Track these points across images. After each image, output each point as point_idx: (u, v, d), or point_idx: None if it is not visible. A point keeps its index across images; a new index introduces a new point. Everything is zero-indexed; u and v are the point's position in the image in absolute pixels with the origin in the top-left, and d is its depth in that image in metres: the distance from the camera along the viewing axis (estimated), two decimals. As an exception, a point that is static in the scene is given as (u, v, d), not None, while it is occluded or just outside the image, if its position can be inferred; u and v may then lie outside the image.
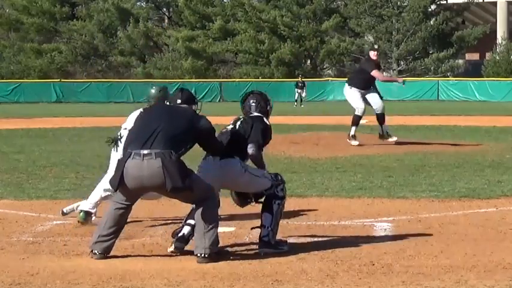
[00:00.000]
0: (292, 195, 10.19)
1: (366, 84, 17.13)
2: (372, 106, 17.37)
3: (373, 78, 17.12)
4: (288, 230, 7.84)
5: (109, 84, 63.47)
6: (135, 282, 5.95)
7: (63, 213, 8.59)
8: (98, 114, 35.71)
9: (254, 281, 5.96)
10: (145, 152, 6.73)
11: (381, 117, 17.42)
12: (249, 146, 7.33)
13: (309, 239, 7.44)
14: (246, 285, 5.86)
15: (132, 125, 7.30)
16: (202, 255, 6.66)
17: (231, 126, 7.51)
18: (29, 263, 6.57)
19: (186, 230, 7.05)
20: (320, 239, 7.45)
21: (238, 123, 7.48)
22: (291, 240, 7.39)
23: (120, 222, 6.95)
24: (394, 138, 17.21)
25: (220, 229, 7.86)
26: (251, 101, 7.66)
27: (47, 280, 5.99)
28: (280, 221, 8.27)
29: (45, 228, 8.15)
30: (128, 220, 8.30)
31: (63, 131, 23.68)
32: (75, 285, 5.89)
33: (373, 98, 17.20)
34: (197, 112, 7.27)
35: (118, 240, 7.32)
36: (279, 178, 7.41)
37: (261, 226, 7.14)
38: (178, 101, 7.27)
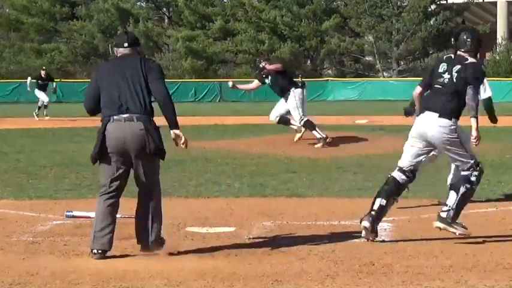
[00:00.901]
0: (292, 195, 10.20)
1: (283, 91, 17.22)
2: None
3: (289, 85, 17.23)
4: (288, 230, 7.84)
5: (109, 84, 63.49)
6: (135, 282, 5.95)
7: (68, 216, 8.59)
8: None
9: (254, 281, 5.96)
10: (125, 115, 6.82)
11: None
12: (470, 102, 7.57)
13: (309, 239, 7.43)
14: (246, 285, 5.86)
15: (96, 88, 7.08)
16: (147, 247, 6.81)
17: (446, 76, 7.56)
18: (29, 263, 6.57)
19: None
20: (320, 239, 7.45)
21: (455, 73, 7.57)
22: (291, 240, 7.39)
23: (111, 213, 6.94)
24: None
25: (220, 229, 7.87)
26: (465, 37, 7.76)
27: (47, 280, 5.99)
28: (280, 221, 8.29)
29: (45, 228, 8.14)
30: (128, 220, 8.31)
31: (63, 131, 23.68)
32: (75, 285, 5.89)
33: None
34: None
35: (118, 241, 7.32)
36: (479, 165, 7.67)
37: (445, 204, 7.59)
38: (125, 44, 7.13)
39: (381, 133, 21.56)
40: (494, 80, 59.25)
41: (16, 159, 14.96)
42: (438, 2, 69.46)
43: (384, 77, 69.70)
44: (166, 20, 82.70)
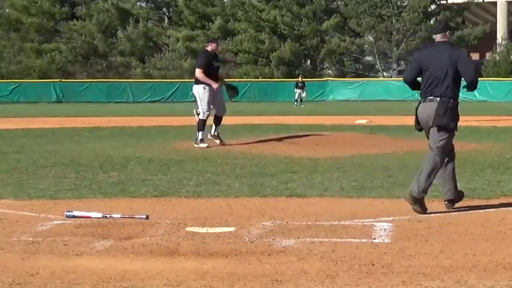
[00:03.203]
0: (292, 195, 10.20)
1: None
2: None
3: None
4: (288, 230, 7.84)
5: (109, 84, 63.52)
6: (135, 282, 5.94)
7: (68, 216, 8.60)
8: (98, 114, 35.72)
9: (254, 281, 5.96)
10: (430, 98, 8.74)
11: (219, 120, 17.55)
12: None
13: (309, 239, 7.43)
14: (246, 285, 5.86)
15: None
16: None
17: None
18: (29, 263, 6.56)
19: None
20: (320, 239, 7.45)
21: None
22: (291, 240, 7.39)
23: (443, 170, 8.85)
24: (217, 142, 17.43)
25: (220, 229, 7.87)
26: None
27: (47, 280, 5.99)
28: (280, 221, 8.29)
29: (45, 228, 8.14)
30: (128, 220, 8.31)
31: (63, 131, 23.69)
32: (75, 285, 5.89)
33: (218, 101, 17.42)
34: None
35: (118, 241, 7.33)
36: None
37: None
38: (439, 32, 8.94)
39: (381, 133, 21.57)
40: (494, 80, 59.30)
41: (16, 159, 14.95)
42: (438, 2, 69.50)
43: (384, 77, 69.72)
44: (166, 20, 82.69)
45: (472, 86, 8.88)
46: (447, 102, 8.69)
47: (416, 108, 8.91)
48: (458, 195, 9.03)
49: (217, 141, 17.36)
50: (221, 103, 17.54)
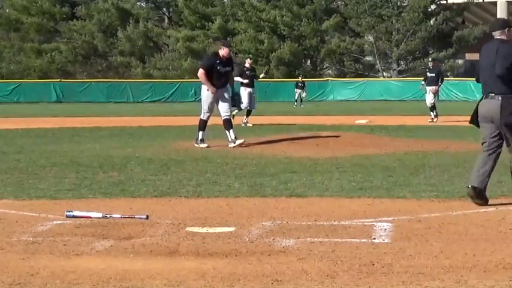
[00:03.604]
0: (292, 195, 10.20)
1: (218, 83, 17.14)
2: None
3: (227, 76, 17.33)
4: (288, 230, 7.84)
5: (109, 84, 63.53)
6: (135, 282, 5.95)
7: (68, 216, 8.60)
8: (98, 114, 35.73)
9: (254, 281, 5.96)
10: (492, 94, 8.93)
11: (225, 123, 17.44)
12: None
13: (309, 239, 7.43)
14: (246, 285, 5.86)
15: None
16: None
17: None
18: (29, 263, 6.56)
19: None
20: (320, 239, 7.45)
21: None
22: (291, 240, 7.39)
23: (487, 161, 9.25)
24: (241, 140, 17.30)
25: (220, 229, 7.87)
26: None
27: (47, 280, 5.99)
28: (280, 221, 8.29)
29: (45, 228, 8.14)
30: (128, 220, 8.31)
31: (63, 131, 23.69)
32: (75, 285, 5.89)
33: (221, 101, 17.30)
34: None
35: (118, 241, 7.33)
36: None
37: None
38: (493, 29, 9.07)
39: (381, 133, 21.58)
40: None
41: (16, 159, 14.96)
42: (438, 2, 69.49)
43: (384, 77, 69.71)
44: (166, 20, 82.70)
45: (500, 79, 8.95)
46: (509, 99, 8.85)
47: (478, 104, 9.14)
48: (483, 191, 9.24)
49: (238, 142, 17.12)
50: (225, 105, 17.35)
